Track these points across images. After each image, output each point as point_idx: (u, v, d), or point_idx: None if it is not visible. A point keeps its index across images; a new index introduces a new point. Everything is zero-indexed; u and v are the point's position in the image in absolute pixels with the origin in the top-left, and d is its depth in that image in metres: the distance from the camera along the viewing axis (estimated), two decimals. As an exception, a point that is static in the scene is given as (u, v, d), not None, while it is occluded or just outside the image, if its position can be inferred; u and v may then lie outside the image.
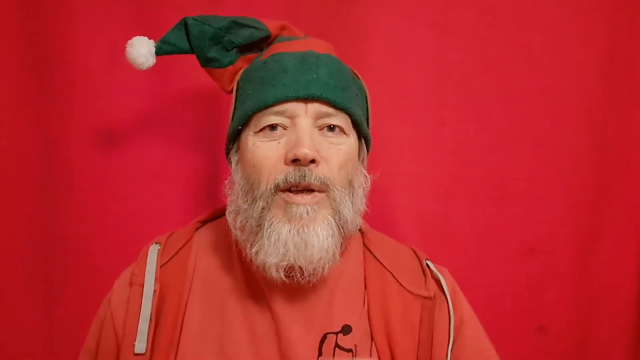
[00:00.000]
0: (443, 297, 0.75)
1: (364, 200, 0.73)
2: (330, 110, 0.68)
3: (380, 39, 1.02)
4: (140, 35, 0.76)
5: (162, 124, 1.03)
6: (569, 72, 1.04)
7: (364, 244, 0.79)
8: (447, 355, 0.72)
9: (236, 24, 0.75)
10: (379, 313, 0.71)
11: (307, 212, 0.65)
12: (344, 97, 0.70)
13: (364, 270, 0.76)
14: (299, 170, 0.65)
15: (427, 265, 0.77)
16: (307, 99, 0.67)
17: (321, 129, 0.69)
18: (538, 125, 1.05)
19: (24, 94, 1.01)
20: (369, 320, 0.71)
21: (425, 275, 0.76)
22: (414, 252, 0.80)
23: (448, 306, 0.74)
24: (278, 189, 0.65)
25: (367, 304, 0.72)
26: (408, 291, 0.73)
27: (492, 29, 1.03)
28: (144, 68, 0.76)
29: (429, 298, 0.73)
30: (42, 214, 1.03)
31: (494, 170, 1.05)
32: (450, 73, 1.04)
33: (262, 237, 0.65)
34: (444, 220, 1.06)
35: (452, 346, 0.73)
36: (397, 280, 0.74)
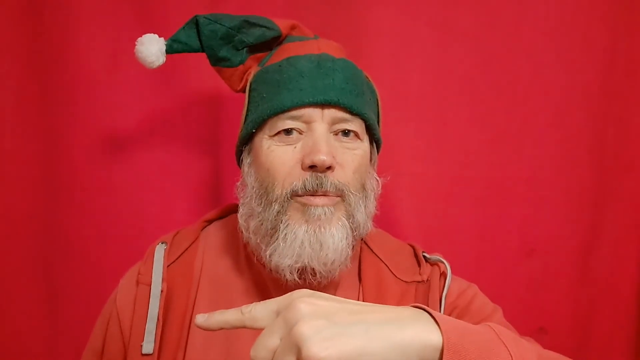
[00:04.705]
0: (439, 281, 0.74)
1: (375, 204, 0.73)
2: (346, 115, 0.68)
3: (381, 39, 1.02)
4: (142, 35, 0.75)
5: (165, 124, 1.03)
6: (569, 72, 1.04)
7: (362, 239, 0.78)
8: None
9: (248, 23, 0.74)
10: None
11: (324, 213, 0.65)
12: (359, 102, 0.69)
13: (359, 264, 0.76)
14: (317, 178, 0.65)
15: (424, 256, 0.77)
16: (323, 104, 0.67)
17: (336, 134, 0.69)
18: (538, 125, 1.05)
19: (25, 94, 1.00)
20: None
21: (420, 264, 0.76)
22: (412, 247, 0.81)
23: (447, 278, 0.73)
24: (295, 194, 0.65)
25: (362, 297, 0.73)
26: (402, 281, 0.74)
27: (492, 29, 1.03)
28: (154, 67, 0.74)
29: (423, 282, 0.74)
30: (44, 214, 1.03)
31: (494, 170, 1.06)
32: (451, 73, 1.04)
33: (277, 239, 0.65)
34: (445, 221, 1.06)
35: None
36: (392, 271, 0.75)
